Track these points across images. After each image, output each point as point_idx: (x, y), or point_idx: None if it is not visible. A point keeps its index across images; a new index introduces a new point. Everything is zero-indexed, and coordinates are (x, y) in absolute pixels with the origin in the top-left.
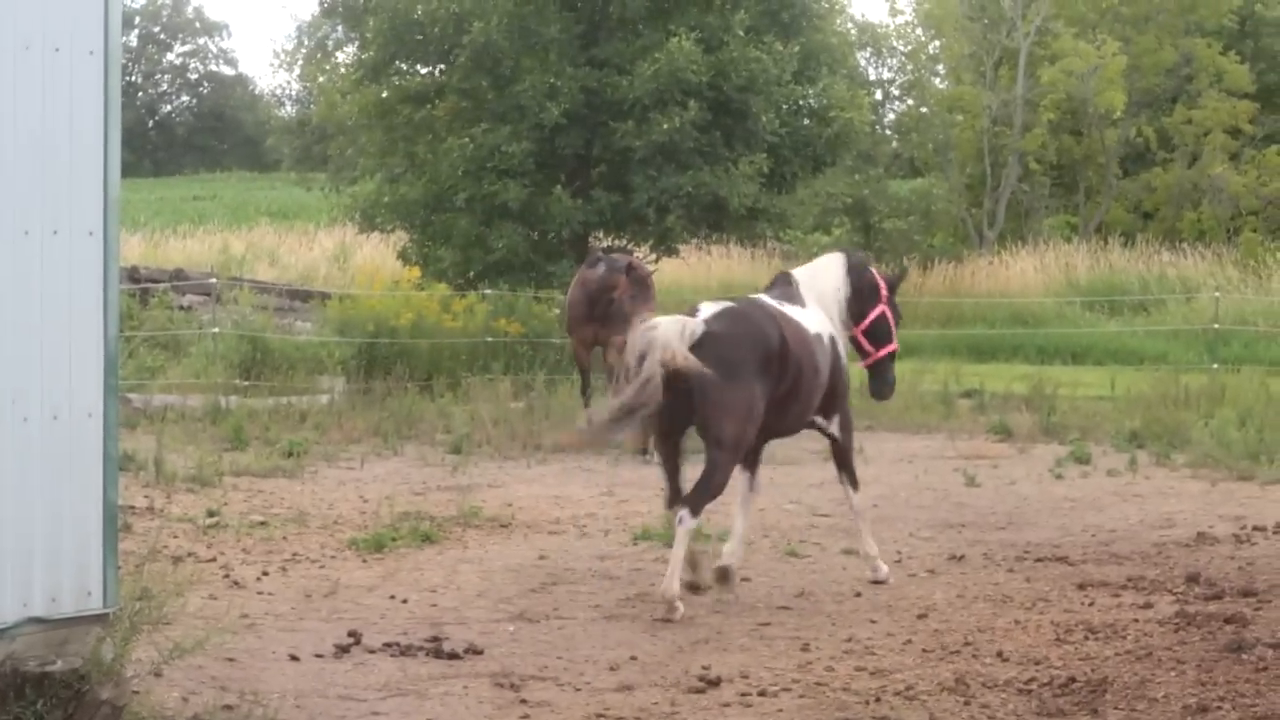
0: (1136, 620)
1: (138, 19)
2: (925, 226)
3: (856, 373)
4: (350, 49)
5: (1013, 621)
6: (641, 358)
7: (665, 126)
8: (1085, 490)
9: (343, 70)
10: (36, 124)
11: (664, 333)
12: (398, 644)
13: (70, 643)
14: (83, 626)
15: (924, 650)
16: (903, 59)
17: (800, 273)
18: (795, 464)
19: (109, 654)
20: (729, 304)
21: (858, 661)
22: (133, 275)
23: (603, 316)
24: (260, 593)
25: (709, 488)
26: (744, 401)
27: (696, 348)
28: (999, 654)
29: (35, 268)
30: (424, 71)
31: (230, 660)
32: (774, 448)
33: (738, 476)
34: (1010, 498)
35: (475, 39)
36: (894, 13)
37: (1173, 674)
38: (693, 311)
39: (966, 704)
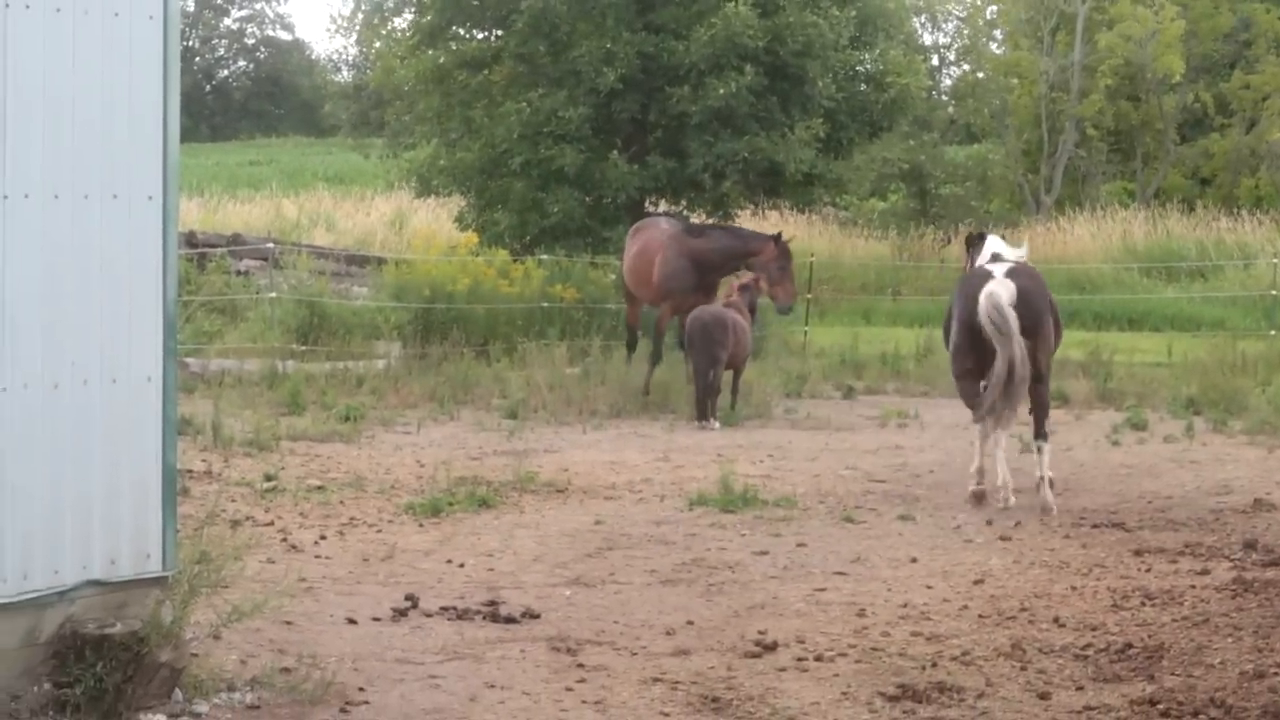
0: (1193, 586)
1: None
2: (982, 192)
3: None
4: (407, 14)
5: (1069, 587)
6: (996, 322)
7: (721, 91)
8: (1142, 456)
9: (399, 35)
10: (96, 88)
11: (1004, 295)
12: (454, 608)
13: (129, 605)
14: (142, 589)
15: (980, 616)
16: (959, 24)
17: (994, 240)
18: (851, 430)
19: (168, 617)
20: (1013, 263)
21: (914, 627)
22: (190, 240)
23: (710, 286)
24: (318, 556)
25: (1047, 412)
26: (1050, 343)
27: (1015, 304)
28: (1055, 620)
29: (95, 232)
30: (481, 36)
31: (288, 623)
32: (829, 414)
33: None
34: (1066, 464)
35: (533, 4)
36: None
37: (1229, 640)
38: (984, 273)
39: (1023, 669)
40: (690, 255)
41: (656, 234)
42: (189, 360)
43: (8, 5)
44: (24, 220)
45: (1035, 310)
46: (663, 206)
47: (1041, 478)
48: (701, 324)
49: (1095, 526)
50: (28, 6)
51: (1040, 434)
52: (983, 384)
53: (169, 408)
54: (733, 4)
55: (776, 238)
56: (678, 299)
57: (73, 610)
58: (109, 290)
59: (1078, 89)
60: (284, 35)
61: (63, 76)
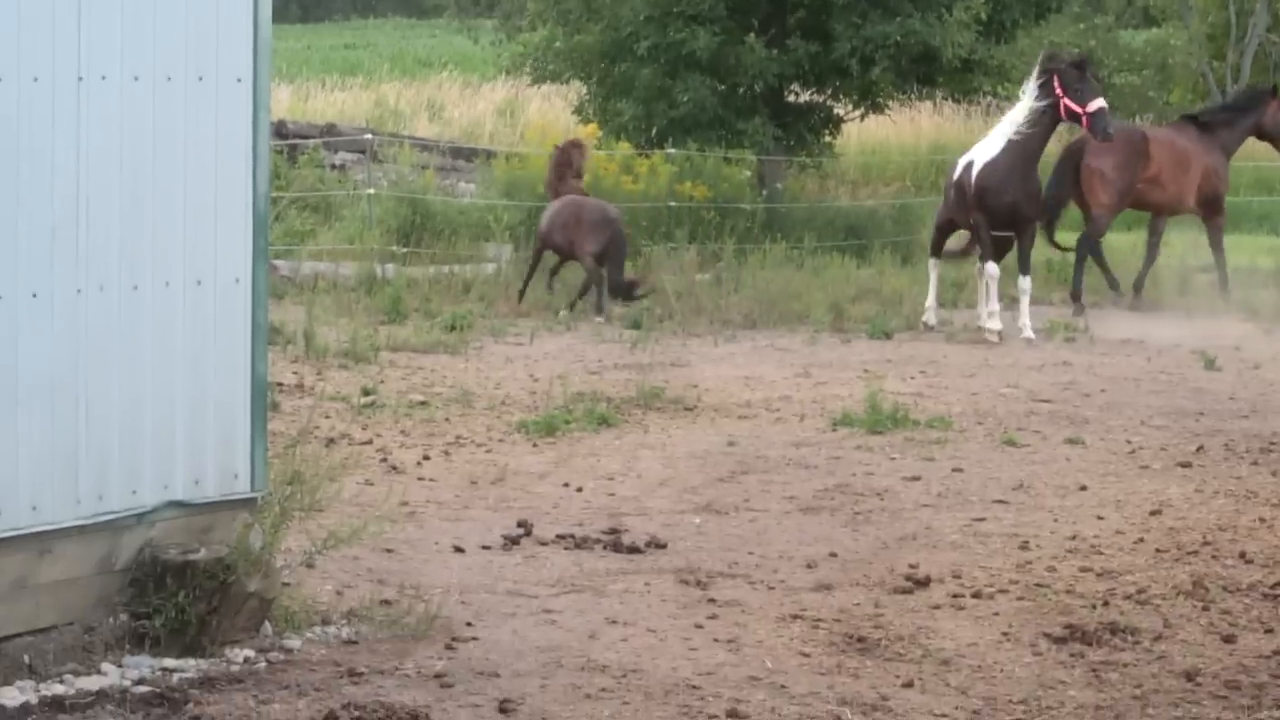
0: None
1: None
2: (1161, 82)
3: None
4: None
5: (1257, 519)
6: None
7: None
8: None
9: None
10: None
11: None
12: (572, 536)
13: (215, 530)
14: (228, 512)
15: (1157, 550)
16: None
17: None
18: (1009, 344)
19: (257, 542)
20: None
21: (1083, 561)
22: (280, 130)
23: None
24: (421, 479)
25: None
26: None
27: None
28: (1241, 555)
29: (178, 117)
30: None
31: (388, 551)
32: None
33: None
34: (1254, 383)
35: None
36: None
37: None
38: None
39: (1205, 609)
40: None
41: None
42: (279, 263)
43: None
44: (101, 104)
45: None
46: (805, 96)
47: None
48: None
49: None
50: None
51: None
52: None
53: (259, 313)
54: None
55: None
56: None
57: (152, 534)
58: (193, 183)
59: None
60: None
61: None
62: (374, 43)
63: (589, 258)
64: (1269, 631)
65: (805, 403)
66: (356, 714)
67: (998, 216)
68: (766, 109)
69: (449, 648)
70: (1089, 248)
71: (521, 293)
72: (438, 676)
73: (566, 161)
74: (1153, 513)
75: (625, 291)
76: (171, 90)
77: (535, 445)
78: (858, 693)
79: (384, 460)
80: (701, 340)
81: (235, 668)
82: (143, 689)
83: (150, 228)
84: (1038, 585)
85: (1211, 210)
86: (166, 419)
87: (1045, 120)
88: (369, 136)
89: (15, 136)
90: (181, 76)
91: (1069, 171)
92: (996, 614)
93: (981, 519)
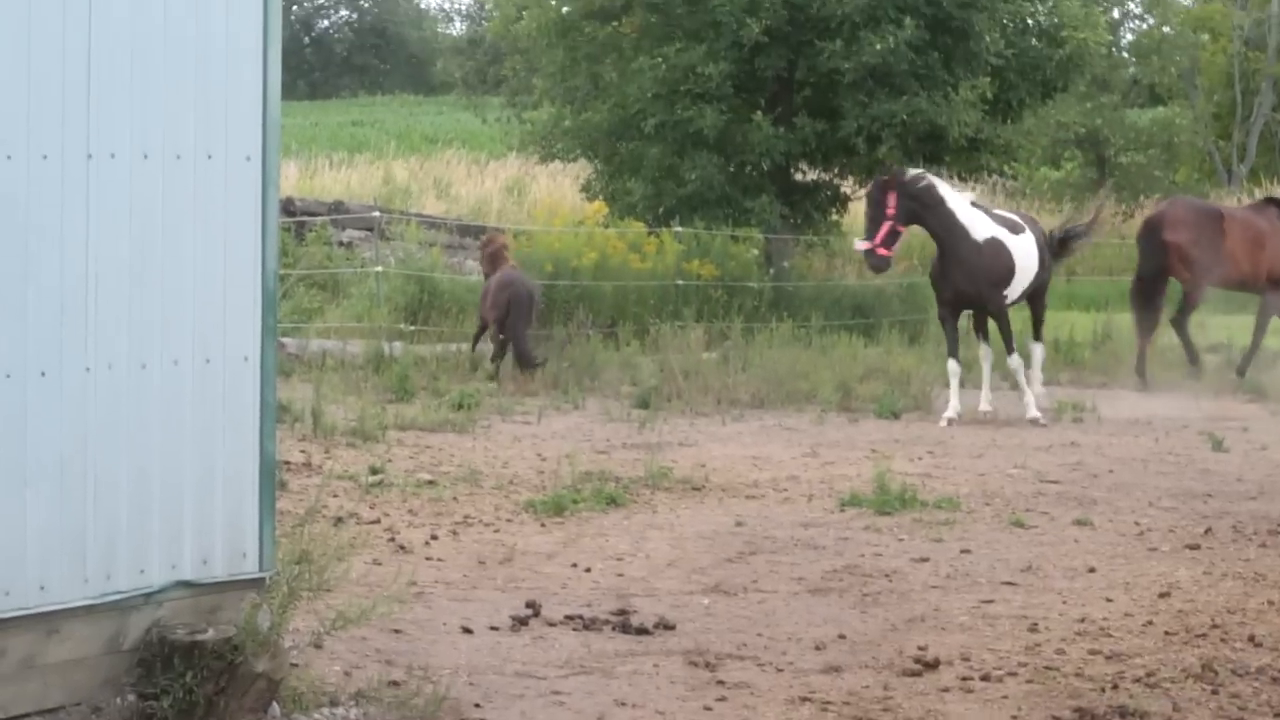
0: None
1: None
2: (1167, 161)
3: None
4: None
5: (1266, 602)
6: None
7: (878, 46)
8: None
9: None
10: (190, 33)
11: None
12: (580, 617)
13: (222, 609)
14: (236, 592)
15: (1166, 633)
16: None
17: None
18: (1018, 425)
19: (265, 622)
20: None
21: (1092, 644)
22: (288, 207)
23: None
24: (429, 558)
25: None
26: None
27: None
28: (1251, 638)
29: (187, 195)
30: None
31: (397, 632)
32: (998, 407)
33: None
34: (1262, 464)
35: None
36: None
37: None
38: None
39: (1214, 693)
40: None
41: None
42: (286, 340)
43: None
44: (110, 182)
45: None
46: (812, 174)
47: None
48: None
49: None
50: None
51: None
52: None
53: (268, 391)
54: None
55: None
56: None
57: (160, 614)
58: (202, 261)
59: (1276, 45)
60: None
61: (153, 23)
62: (381, 119)
63: (494, 325)
64: (1278, 716)
65: (813, 483)
66: None
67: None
68: (773, 187)
69: None
70: (1179, 321)
71: (495, 369)
72: None
73: (494, 253)
74: (1161, 595)
75: (524, 361)
76: (181, 168)
77: (543, 525)
78: None
79: (392, 540)
80: (709, 419)
81: None
82: None
83: (159, 306)
84: (1047, 668)
85: (1276, 287)
86: (174, 498)
87: None
88: (376, 214)
89: (24, 214)
90: (191, 154)
91: (1150, 246)
92: (1005, 697)
93: (990, 601)
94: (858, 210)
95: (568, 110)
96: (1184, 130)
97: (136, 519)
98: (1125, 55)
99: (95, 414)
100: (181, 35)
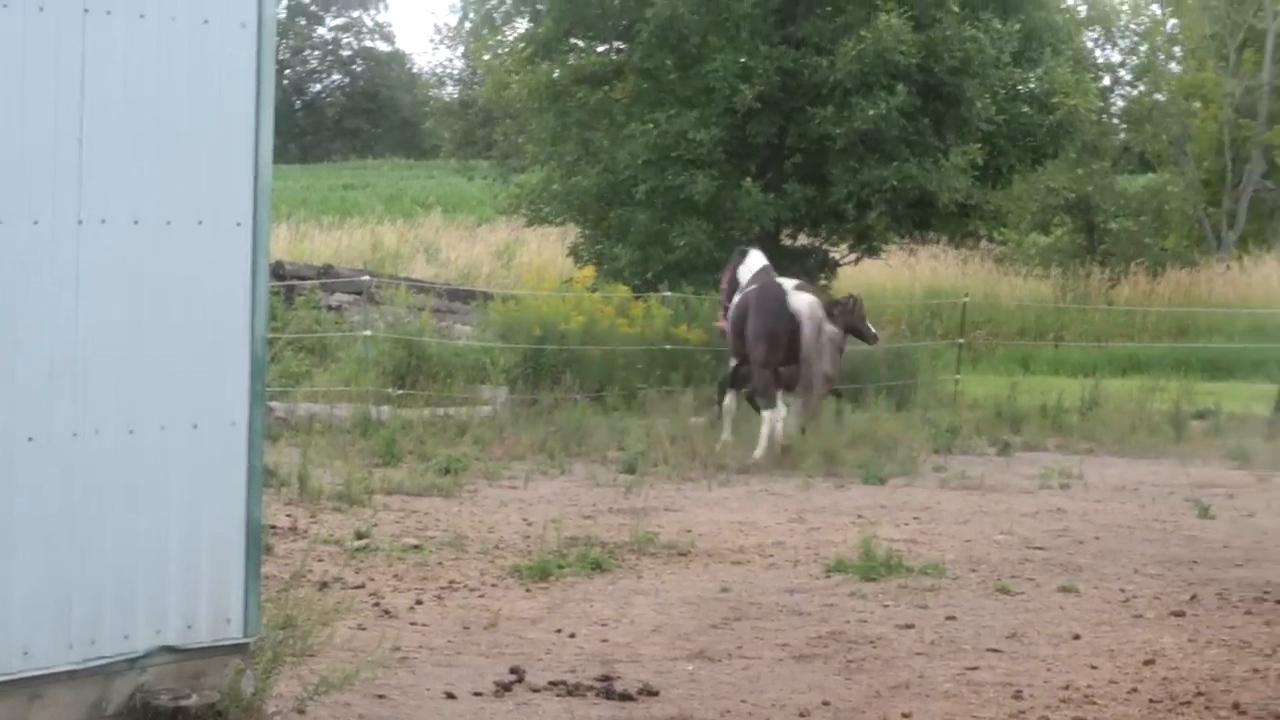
0: None
1: None
2: (1157, 228)
3: None
4: (520, 23)
5: (1251, 670)
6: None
7: (869, 113)
8: None
9: (511, 47)
10: (182, 103)
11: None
12: (565, 683)
13: (206, 675)
14: (220, 657)
15: (1151, 701)
16: (1135, 40)
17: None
18: (1006, 490)
19: (249, 688)
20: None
21: (1076, 712)
22: (277, 271)
23: None
24: (413, 623)
25: None
26: None
27: None
28: (1235, 706)
29: (178, 261)
30: (601, 49)
31: (381, 697)
32: (982, 473)
33: None
34: (1248, 531)
35: (659, 13)
36: None
37: None
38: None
39: None
40: None
41: None
42: (274, 404)
43: (87, 11)
44: (100, 248)
45: None
46: (801, 240)
47: None
48: None
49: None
50: (109, 12)
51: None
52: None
53: (255, 456)
54: (884, 17)
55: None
56: None
57: (144, 679)
58: (192, 326)
59: (1266, 113)
60: (383, 46)
61: (145, 89)
62: (372, 183)
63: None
64: None
65: (799, 549)
66: None
67: None
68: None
69: None
70: None
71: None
72: None
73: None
74: (1146, 662)
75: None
76: (171, 234)
77: (528, 590)
78: None
79: (377, 604)
80: (695, 485)
81: None
82: None
83: (148, 371)
84: None
85: None
86: (160, 563)
87: None
88: (366, 278)
89: (14, 279)
90: (181, 221)
91: None
92: None
93: (975, 668)
94: (847, 276)
95: (558, 174)
96: (1174, 197)
97: (122, 584)
98: (1116, 122)
99: (82, 479)
100: (174, 107)
